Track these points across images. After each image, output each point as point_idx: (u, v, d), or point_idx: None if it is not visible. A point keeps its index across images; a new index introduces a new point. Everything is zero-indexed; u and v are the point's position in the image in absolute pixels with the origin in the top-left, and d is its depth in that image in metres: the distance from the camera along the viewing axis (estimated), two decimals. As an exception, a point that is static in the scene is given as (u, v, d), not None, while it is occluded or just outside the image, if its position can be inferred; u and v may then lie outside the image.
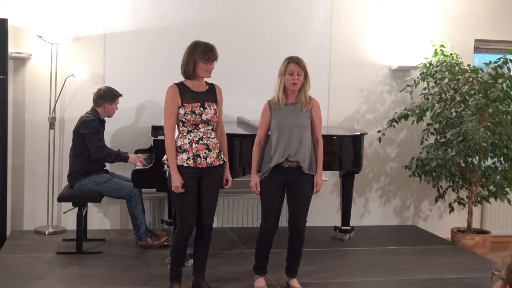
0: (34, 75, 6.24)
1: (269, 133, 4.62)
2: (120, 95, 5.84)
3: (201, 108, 4.30)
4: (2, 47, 5.86)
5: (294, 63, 4.48)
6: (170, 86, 4.36)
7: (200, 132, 4.32)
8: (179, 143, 4.32)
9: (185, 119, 4.29)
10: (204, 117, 4.30)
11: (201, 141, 4.31)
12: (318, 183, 4.57)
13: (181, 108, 4.29)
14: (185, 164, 4.29)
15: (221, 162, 4.41)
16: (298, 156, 4.50)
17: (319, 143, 4.60)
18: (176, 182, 4.26)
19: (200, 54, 4.30)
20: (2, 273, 4.95)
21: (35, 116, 6.28)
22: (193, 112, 4.29)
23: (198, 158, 4.30)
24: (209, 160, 4.33)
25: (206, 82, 4.45)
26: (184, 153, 4.30)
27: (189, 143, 4.30)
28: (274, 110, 4.54)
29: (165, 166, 4.42)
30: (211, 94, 4.40)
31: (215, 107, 4.36)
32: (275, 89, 4.55)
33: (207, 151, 4.32)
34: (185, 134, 4.33)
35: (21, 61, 6.20)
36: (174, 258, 4.48)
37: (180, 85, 4.36)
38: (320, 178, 4.58)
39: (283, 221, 4.94)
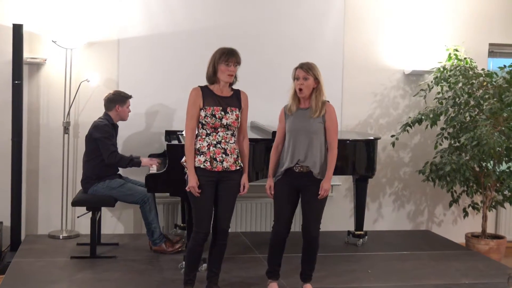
0: (49, 80, 6.28)
1: None
2: (130, 96, 5.86)
3: (222, 112, 4.33)
4: (18, 52, 5.90)
5: (299, 68, 4.53)
6: (193, 88, 4.41)
7: (219, 136, 4.34)
8: (197, 146, 4.35)
9: (205, 121, 4.32)
10: (224, 121, 4.32)
11: (219, 145, 4.33)
12: (323, 187, 4.49)
13: (202, 110, 4.33)
14: (202, 166, 4.32)
15: (238, 168, 4.41)
16: (308, 161, 4.51)
17: (331, 148, 4.56)
18: (192, 182, 4.29)
19: (221, 56, 4.33)
20: (17, 277, 4.98)
21: (49, 121, 6.32)
22: (213, 115, 4.31)
23: (215, 161, 4.31)
24: (225, 164, 4.34)
25: (231, 88, 4.47)
26: (201, 155, 4.33)
27: (207, 146, 4.33)
28: (287, 115, 4.59)
29: (185, 168, 4.44)
30: (235, 100, 4.42)
31: (237, 112, 4.38)
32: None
33: (224, 155, 4.33)
34: (203, 136, 4.35)
35: (36, 66, 6.24)
36: (188, 262, 4.50)
37: (203, 88, 4.40)
38: (326, 183, 4.51)
39: (297, 226, 4.95)
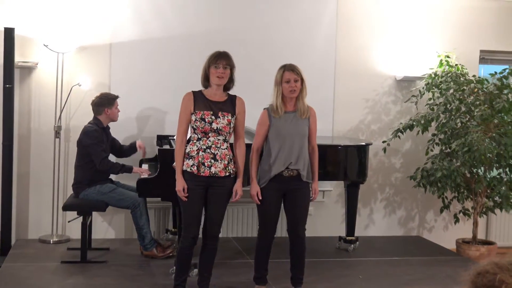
0: (40, 84, 6.26)
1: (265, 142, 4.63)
2: (117, 96, 5.82)
3: (213, 117, 4.32)
4: (9, 56, 5.89)
5: (289, 70, 4.49)
6: (186, 93, 4.42)
7: (209, 141, 4.33)
8: (187, 150, 4.35)
9: (195, 125, 4.33)
10: (214, 125, 4.32)
11: (208, 150, 4.32)
12: (317, 190, 4.65)
13: (193, 115, 4.34)
14: (189, 170, 4.32)
15: (228, 174, 4.39)
16: (299, 164, 4.53)
17: (315, 151, 4.65)
18: (179, 186, 4.30)
19: (210, 59, 4.35)
20: (7, 282, 4.96)
21: (40, 125, 6.30)
22: (203, 119, 4.31)
23: (202, 166, 4.30)
24: (213, 169, 4.32)
25: (228, 93, 4.46)
26: (190, 160, 4.32)
27: (196, 150, 4.33)
28: (274, 118, 4.54)
29: None
30: (228, 105, 4.41)
31: (229, 118, 4.37)
32: (273, 98, 4.56)
33: (212, 161, 4.32)
34: (195, 141, 4.36)
35: (28, 70, 6.22)
36: (177, 266, 4.51)
37: (196, 93, 4.42)
38: (317, 185, 4.65)
39: (283, 230, 4.94)
